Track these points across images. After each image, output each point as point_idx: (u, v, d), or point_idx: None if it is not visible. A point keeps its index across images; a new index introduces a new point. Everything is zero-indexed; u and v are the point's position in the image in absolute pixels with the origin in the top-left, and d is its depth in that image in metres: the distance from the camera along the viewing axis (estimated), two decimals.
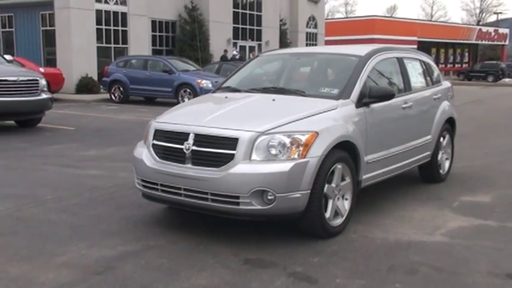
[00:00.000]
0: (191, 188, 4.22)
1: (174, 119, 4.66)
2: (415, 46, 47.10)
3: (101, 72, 19.62)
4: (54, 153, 8.33)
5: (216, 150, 4.17)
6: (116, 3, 22.15)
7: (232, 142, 4.11)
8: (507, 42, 60.82)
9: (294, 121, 4.29)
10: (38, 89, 10.55)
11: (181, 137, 4.34)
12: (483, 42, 56.90)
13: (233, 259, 3.98)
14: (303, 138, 4.15)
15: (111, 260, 3.93)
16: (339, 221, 4.52)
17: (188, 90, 16.45)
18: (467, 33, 54.63)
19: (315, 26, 35.89)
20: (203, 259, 3.97)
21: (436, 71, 6.69)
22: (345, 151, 4.52)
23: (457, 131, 9.95)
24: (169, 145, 4.43)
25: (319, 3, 35.81)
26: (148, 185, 4.55)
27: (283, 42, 31.12)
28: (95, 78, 20.81)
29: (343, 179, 4.55)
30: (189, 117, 4.64)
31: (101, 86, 19.67)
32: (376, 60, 5.30)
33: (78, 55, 20.49)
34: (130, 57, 19.94)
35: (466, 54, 56.78)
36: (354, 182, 4.68)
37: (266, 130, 4.15)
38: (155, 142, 4.56)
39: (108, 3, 21.83)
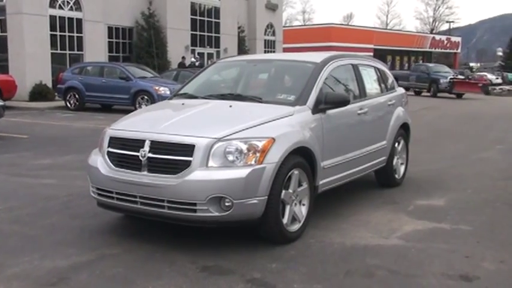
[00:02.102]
0: (147, 195, 4.16)
1: (129, 126, 4.60)
2: (372, 53, 48.07)
3: (56, 79, 19.19)
4: (5, 162, 8.08)
5: (172, 157, 4.13)
6: (71, 9, 21.73)
7: (188, 149, 4.08)
8: (459, 50, 62.78)
9: (250, 127, 4.29)
10: None
11: (137, 144, 4.28)
12: (436, 50, 58.54)
13: (190, 266, 3.94)
14: (260, 144, 4.15)
15: (64, 270, 3.83)
16: (296, 226, 4.54)
17: (146, 97, 16.28)
18: (421, 42, 56.13)
19: (273, 34, 36.14)
20: (160, 267, 3.91)
21: (391, 78, 6.82)
22: (301, 157, 4.54)
23: (413, 137, 10.16)
24: (125, 152, 4.36)
25: (277, 11, 36.08)
26: (104, 193, 4.46)
27: (242, 50, 31.19)
28: (49, 85, 20.33)
29: (300, 185, 4.58)
30: (145, 124, 4.58)
31: (56, 93, 19.22)
32: (331, 67, 5.37)
33: (32, 62, 19.99)
34: (86, 63, 19.59)
35: (421, 61, 58.26)
36: (311, 188, 4.71)
37: (223, 136, 4.14)
38: (110, 150, 4.49)
39: (62, 8, 21.40)
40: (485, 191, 6.54)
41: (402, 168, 6.81)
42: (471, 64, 70.94)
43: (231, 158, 4.10)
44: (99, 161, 4.52)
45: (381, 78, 6.49)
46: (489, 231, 4.92)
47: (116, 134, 4.53)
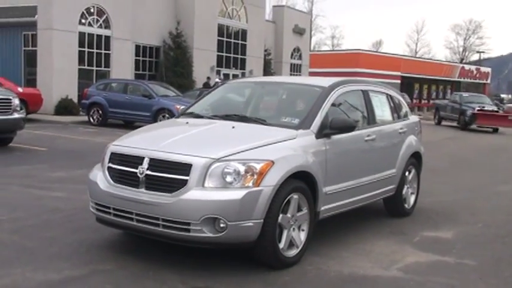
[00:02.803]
0: (143, 213, 4.15)
1: (130, 142, 4.62)
2: (399, 81, 47.85)
3: (82, 94, 19.52)
4: (20, 174, 8.19)
5: (169, 175, 4.13)
6: (100, 26, 22.19)
7: (185, 168, 4.07)
8: (489, 81, 61.99)
9: (250, 149, 4.27)
10: (10, 109, 10.44)
11: (137, 160, 4.29)
12: (466, 80, 57.89)
13: (180, 287, 3.89)
14: (258, 166, 4.11)
15: (54, 284, 3.82)
16: (293, 251, 4.46)
17: (167, 115, 16.40)
18: (450, 71, 55.60)
19: (300, 57, 36.28)
20: (149, 286, 3.88)
21: (404, 106, 6.74)
22: (302, 181, 4.49)
23: (432, 166, 10.00)
24: (124, 168, 4.37)
25: (304, 35, 36.27)
26: (102, 208, 4.47)
27: (267, 72, 31.36)
28: (75, 100, 20.67)
29: (299, 210, 4.51)
30: (146, 141, 4.59)
31: (81, 109, 19.55)
32: (339, 92, 5.32)
33: (59, 76, 20.39)
34: (110, 80, 19.90)
35: (449, 91, 57.68)
36: (311, 213, 4.63)
37: (221, 157, 4.12)
38: (111, 165, 4.51)
39: (92, 26, 21.86)
40: (497, 225, 6.36)
41: (412, 198, 6.67)
42: (502, 95, 69.91)
43: (228, 179, 4.08)
44: (99, 176, 4.54)
45: (393, 106, 6.41)
46: (494, 268, 4.76)
47: (117, 150, 4.55)
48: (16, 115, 10.61)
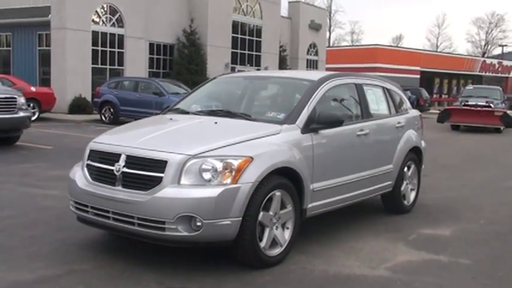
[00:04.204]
0: (119, 211, 4.05)
1: (109, 139, 4.52)
2: (418, 76, 47.22)
3: (95, 93, 19.62)
4: (20, 172, 8.18)
5: (145, 172, 4.01)
6: (113, 25, 22.26)
7: (161, 165, 3.95)
8: (511, 75, 60.76)
9: (229, 145, 4.13)
10: (15, 107, 10.47)
11: (113, 158, 4.19)
12: (487, 74, 56.83)
13: (155, 287, 3.78)
14: (236, 163, 3.98)
15: (24, 284, 3.74)
16: (277, 250, 4.32)
17: None
18: (471, 65, 54.64)
19: (316, 53, 35.98)
20: (123, 286, 3.78)
21: (402, 99, 6.52)
22: (285, 178, 4.34)
23: (441, 163, 9.76)
24: (102, 166, 4.28)
25: (320, 31, 35.96)
26: (80, 207, 4.38)
27: (283, 69, 31.15)
28: (89, 98, 20.79)
29: (283, 207, 4.36)
30: (124, 138, 4.50)
31: (93, 107, 19.64)
32: (329, 85, 5.15)
33: (73, 75, 20.52)
34: (122, 78, 19.96)
35: (470, 85, 56.70)
36: (297, 211, 4.48)
37: (197, 153, 3.99)
38: (89, 162, 4.42)
39: (105, 25, 21.94)
40: (499, 222, 6.12)
41: (412, 195, 6.46)
42: None
43: (206, 176, 3.95)
44: (78, 174, 4.46)
45: (390, 99, 6.21)
46: (489, 267, 4.55)
47: (95, 147, 4.46)
48: (21, 114, 10.63)
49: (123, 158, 4.13)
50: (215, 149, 4.06)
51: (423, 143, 6.75)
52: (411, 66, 46.48)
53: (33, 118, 16.96)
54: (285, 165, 4.30)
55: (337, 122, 4.82)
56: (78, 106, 20.43)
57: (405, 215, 6.21)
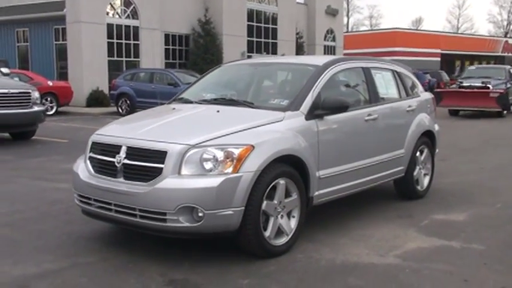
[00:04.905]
0: (121, 203, 4.02)
1: (110, 131, 4.49)
2: (439, 58, 46.47)
3: (111, 85, 19.70)
4: (34, 166, 8.24)
5: (145, 163, 3.97)
6: (128, 17, 22.29)
7: (161, 155, 3.90)
8: None
9: (230, 134, 4.06)
10: (29, 102, 10.54)
11: (114, 149, 4.16)
12: (510, 54, 55.69)
13: (158, 279, 3.75)
14: (237, 151, 3.91)
15: (29, 278, 3.74)
16: (283, 240, 4.24)
17: None
18: (492, 46, 53.62)
19: (333, 39, 35.59)
20: (126, 279, 3.75)
21: (413, 82, 6.36)
22: (290, 165, 4.25)
23: (459, 147, 9.56)
24: (103, 158, 4.25)
25: (337, 16, 35.54)
26: (84, 200, 4.36)
27: (300, 55, 30.91)
28: (106, 91, 20.88)
29: (288, 195, 4.28)
30: (125, 129, 4.46)
31: (111, 99, 19.74)
32: (334, 70, 5.03)
33: (89, 69, 20.63)
34: (137, 70, 19.99)
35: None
36: (303, 199, 4.40)
37: (198, 143, 3.93)
38: (92, 155, 4.39)
39: (120, 17, 21.97)
40: None
41: (426, 180, 6.31)
42: None
43: (207, 165, 3.89)
44: (80, 167, 4.44)
45: (400, 83, 6.05)
46: (503, 252, 4.41)
47: (97, 139, 4.43)
48: (36, 108, 10.71)
49: (123, 149, 4.09)
50: (216, 138, 3.99)
51: (436, 127, 6.59)
52: (431, 49, 45.80)
53: (51, 112, 17.30)
54: (289, 152, 4.22)
55: (343, 108, 4.70)
56: (95, 99, 20.56)
57: (419, 201, 6.08)
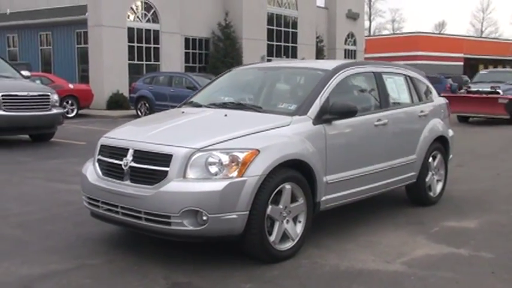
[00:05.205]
0: (127, 206, 4.05)
1: (118, 134, 4.54)
2: (461, 63, 45.94)
3: (131, 88, 19.90)
4: (49, 168, 8.36)
5: (151, 167, 4.00)
6: (148, 21, 22.50)
7: (166, 159, 3.93)
8: None
9: (235, 138, 4.06)
10: (48, 104, 10.69)
11: (122, 152, 4.20)
12: None
13: (161, 282, 3.77)
14: (242, 155, 3.91)
15: (34, 278, 3.79)
16: (288, 245, 4.23)
17: None
18: None
19: (354, 43, 35.43)
20: (129, 281, 3.78)
21: (426, 87, 6.29)
22: (296, 170, 4.24)
23: (477, 153, 9.41)
24: (111, 161, 4.30)
25: (358, 20, 35.39)
26: (92, 202, 4.41)
27: (320, 59, 30.84)
28: (126, 94, 21.08)
29: (295, 200, 4.27)
30: (133, 132, 4.50)
31: (130, 102, 19.93)
32: (344, 74, 5.01)
33: (110, 72, 20.87)
34: (156, 73, 20.14)
35: None
36: (309, 204, 4.38)
37: (203, 147, 3.94)
38: (100, 157, 4.44)
39: (140, 21, 22.20)
40: None
41: (439, 186, 6.23)
42: None
43: (213, 169, 3.90)
44: (89, 169, 4.50)
45: (412, 87, 6.00)
46: (511, 261, 4.34)
47: (105, 142, 4.48)
48: (55, 110, 10.85)
49: (130, 152, 4.13)
50: (221, 142, 4.00)
51: (451, 132, 6.52)
52: (454, 53, 45.33)
53: (71, 115, 17.54)
54: (294, 157, 4.21)
55: (351, 112, 4.67)
56: (115, 102, 20.77)
57: (431, 207, 6.01)
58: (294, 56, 29.54)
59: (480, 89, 17.03)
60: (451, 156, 6.57)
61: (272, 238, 4.09)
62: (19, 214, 5.51)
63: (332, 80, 4.85)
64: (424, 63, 43.13)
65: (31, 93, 10.43)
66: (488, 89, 16.76)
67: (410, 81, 6.01)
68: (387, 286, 3.78)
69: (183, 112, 4.96)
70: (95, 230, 4.97)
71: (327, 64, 5.24)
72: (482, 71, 21.92)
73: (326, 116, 4.60)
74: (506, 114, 15.84)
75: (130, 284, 3.71)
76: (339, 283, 3.82)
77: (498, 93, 16.37)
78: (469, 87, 18.14)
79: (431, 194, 6.10)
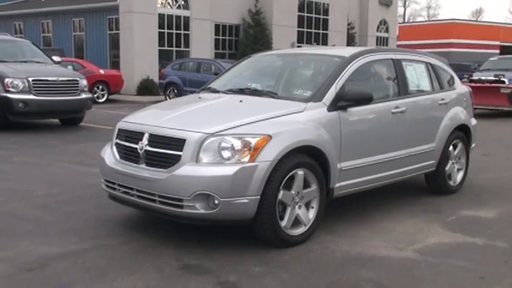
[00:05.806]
0: (142, 188, 4.15)
1: (136, 118, 4.62)
2: (497, 50, 44.80)
3: (160, 74, 20.12)
4: (76, 151, 8.57)
5: (166, 151, 4.08)
6: (179, 7, 22.63)
7: (180, 143, 4.00)
8: None
9: (248, 123, 4.11)
10: (77, 89, 10.92)
11: (138, 136, 4.29)
12: None
13: (172, 263, 3.86)
14: (253, 141, 3.95)
15: (51, 257, 3.92)
16: (300, 230, 4.27)
17: None
18: None
19: (386, 30, 34.93)
20: (142, 261, 3.88)
21: (447, 75, 6.20)
22: (309, 156, 4.27)
23: (505, 142, 9.24)
24: (128, 144, 4.39)
25: (391, 7, 34.84)
26: (109, 184, 4.53)
27: (351, 46, 30.50)
28: (156, 80, 21.32)
29: (307, 186, 4.30)
30: (149, 117, 4.58)
31: (159, 88, 20.16)
32: (362, 61, 4.99)
33: (140, 58, 21.12)
34: (185, 60, 20.30)
35: None
36: (322, 190, 4.40)
37: (216, 132, 4.00)
38: (118, 141, 4.55)
39: (171, 7, 22.34)
40: None
41: (460, 175, 6.17)
42: None
43: (225, 154, 3.96)
44: (107, 153, 4.61)
45: (433, 75, 5.92)
46: None
47: (123, 126, 4.58)
48: (83, 95, 11.09)
49: (146, 136, 4.21)
50: (234, 127, 4.05)
51: (473, 121, 6.43)
52: (489, 41, 44.23)
53: (102, 100, 17.86)
54: (307, 143, 4.23)
55: (366, 99, 4.66)
56: (145, 87, 21.04)
57: (450, 196, 5.96)
58: (325, 43, 29.31)
59: (482, 78, 15.51)
60: (473, 145, 6.49)
61: (284, 223, 4.14)
62: (43, 196, 5.68)
63: (349, 67, 4.84)
64: (459, 51, 42.27)
65: (60, 78, 10.66)
66: (492, 78, 15.27)
67: (432, 69, 5.94)
68: (396, 272, 3.79)
69: (200, 97, 5.02)
70: (113, 212, 5.10)
71: (345, 51, 5.22)
72: (493, 58, 19.78)
73: (341, 102, 4.60)
74: (510, 106, 14.40)
75: (143, 265, 3.82)
76: (348, 268, 3.84)
77: (503, 82, 14.82)
78: (471, 75, 16.56)
79: (451, 182, 6.04)
